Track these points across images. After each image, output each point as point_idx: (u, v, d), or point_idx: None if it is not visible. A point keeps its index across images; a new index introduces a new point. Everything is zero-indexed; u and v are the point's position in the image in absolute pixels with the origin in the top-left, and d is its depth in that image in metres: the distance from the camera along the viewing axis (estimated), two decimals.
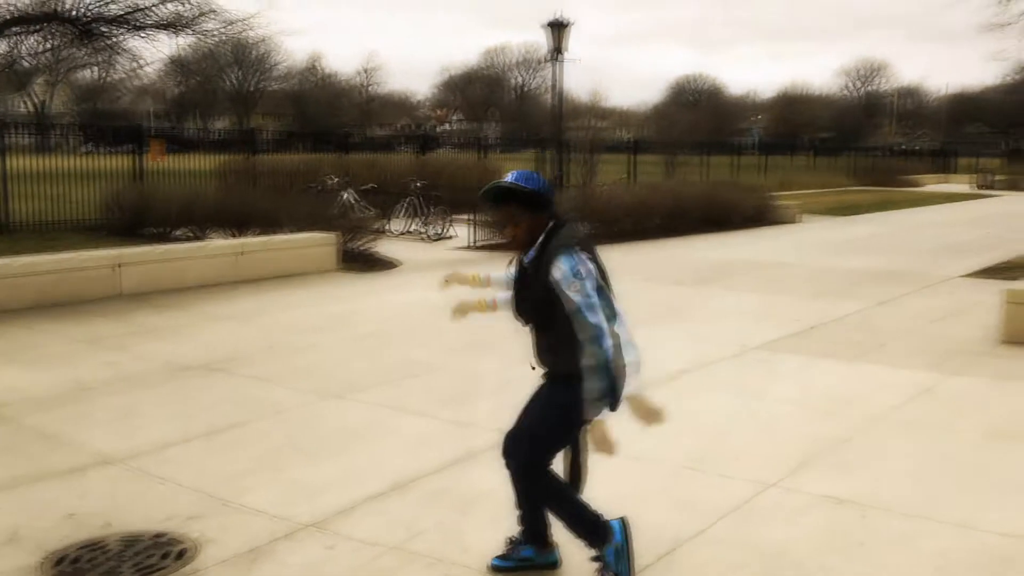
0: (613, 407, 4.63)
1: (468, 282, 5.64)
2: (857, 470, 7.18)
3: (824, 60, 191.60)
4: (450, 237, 22.61)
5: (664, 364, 9.01)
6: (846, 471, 7.15)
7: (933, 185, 57.04)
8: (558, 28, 30.93)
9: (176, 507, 6.17)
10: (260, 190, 23.26)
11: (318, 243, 16.96)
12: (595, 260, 4.86)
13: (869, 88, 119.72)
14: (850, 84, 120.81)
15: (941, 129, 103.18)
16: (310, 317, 12.79)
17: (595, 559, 5.05)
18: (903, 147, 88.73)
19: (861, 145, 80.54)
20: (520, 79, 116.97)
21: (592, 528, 5.05)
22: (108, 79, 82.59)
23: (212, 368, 9.89)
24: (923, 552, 5.72)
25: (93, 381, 9.27)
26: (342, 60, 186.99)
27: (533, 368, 5.07)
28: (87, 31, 26.05)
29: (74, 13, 24.54)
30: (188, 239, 18.38)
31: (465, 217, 22.01)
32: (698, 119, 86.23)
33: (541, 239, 4.86)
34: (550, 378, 5.03)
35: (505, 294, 5.24)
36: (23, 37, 24.90)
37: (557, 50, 31.47)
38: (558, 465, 5.15)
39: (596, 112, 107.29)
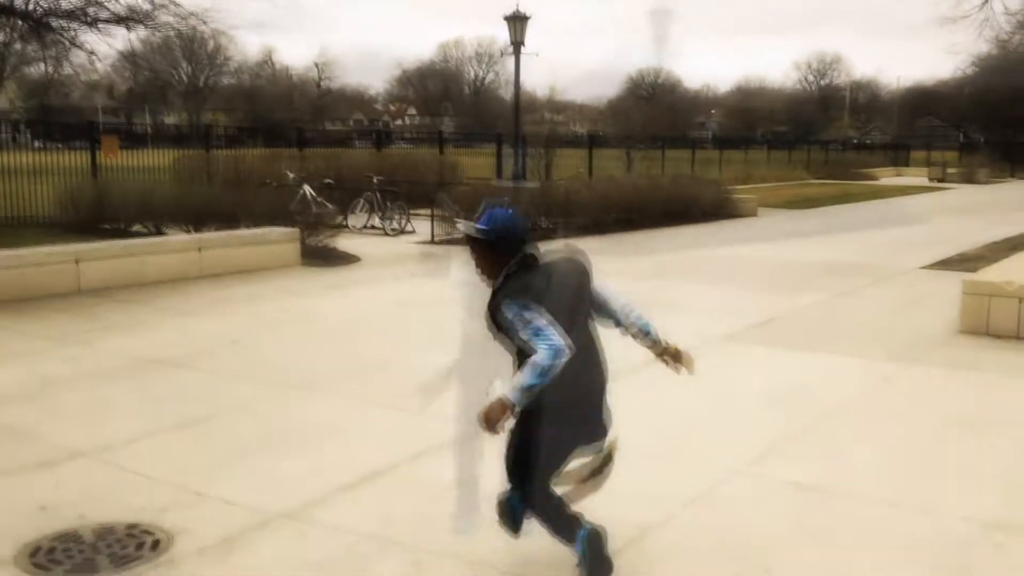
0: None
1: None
2: (820, 458, 7.31)
3: (779, 54, 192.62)
4: (410, 232, 22.62)
5: (625, 356, 9.08)
6: (809, 459, 7.28)
7: (888, 178, 57.48)
8: (518, 21, 30.80)
9: (149, 499, 6.20)
10: (217, 186, 23.12)
11: (279, 238, 16.93)
12: (556, 295, 4.87)
13: (823, 82, 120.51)
14: (805, 78, 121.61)
15: (894, 123, 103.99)
16: (273, 312, 12.79)
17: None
18: (855, 141, 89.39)
19: (816, 138, 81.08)
20: (475, 73, 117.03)
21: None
22: (58, 74, 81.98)
23: (177, 363, 9.87)
24: (886, 536, 5.85)
25: (58, 377, 9.24)
26: (295, 55, 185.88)
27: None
28: (41, 25, 25.87)
29: (28, 7, 24.38)
30: (145, 235, 18.29)
31: (424, 212, 22.04)
32: (654, 113, 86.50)
33: (502, 277, 4.91)
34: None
35: None
36: None
37: (516, 44, 31.33)
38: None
39: (553, 106, 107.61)
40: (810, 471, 6.96)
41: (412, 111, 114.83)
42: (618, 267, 17.03)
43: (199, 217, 18.21)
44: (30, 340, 10.81)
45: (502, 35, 31.39)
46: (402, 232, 22.77)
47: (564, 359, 4.61)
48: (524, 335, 4.69)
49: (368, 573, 5.32)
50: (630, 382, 7.67)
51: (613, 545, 5.28)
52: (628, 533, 5.65)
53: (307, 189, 23.67)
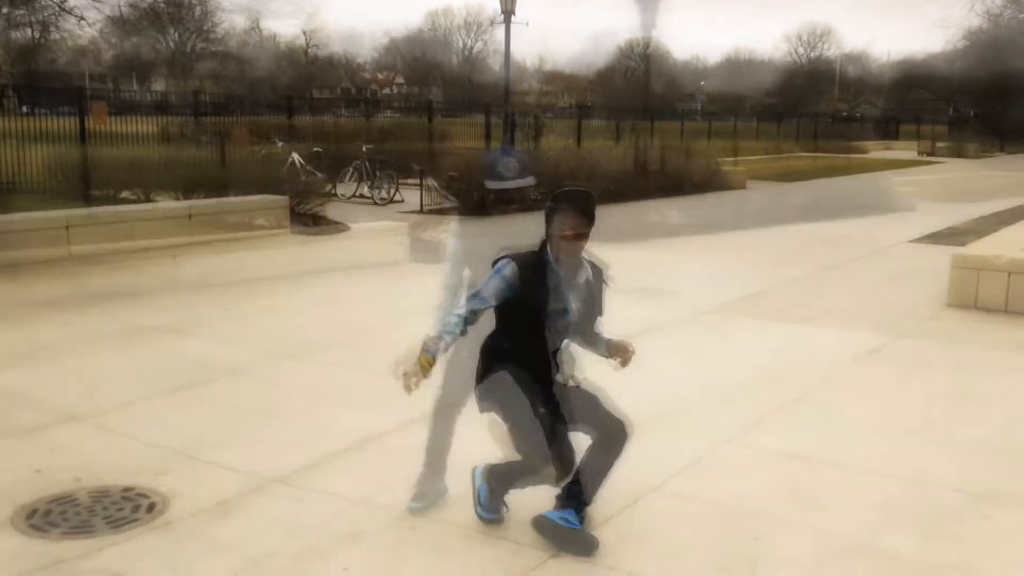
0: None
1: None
2: (808, 428, 7.39)
3: (769, 26, 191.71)
4: (399, 201, 22.63)
5: (619, 327, 9.10)
6: (798, 429, 7.35)
7: (877, 152, 57.48)
8: None
9: (144, 462, 6.25)
10: (204, 153, 23.01)
11: (268, 205, 16.88)
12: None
13: (813, 54, 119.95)
14: (795, 50, 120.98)
15: (883, 96, 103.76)
16: (262, 280, 12.78)
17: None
18: (844, 114, 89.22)
19: (805, 111, 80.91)
20: (464, 42, 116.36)
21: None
22: (44, 40, 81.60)
23: (170, 329, 9.92)
24: (875, 505, 5.92)
25: (51, 342, 9.26)
26: (285, 26, 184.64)
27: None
28: None
29: None
30: (134, 202, 18.20)
31: (413, 182, 22.03)
32: (642, 85, 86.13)
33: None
34: None
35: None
36: None
37: (507, 12, 31.11)
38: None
39: (543, 77, 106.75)
40: (799, 441, 7.03)
41: (400, 80, 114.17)
42: (606, 238, 17.03)
43: (188, 184, 18.14)
44: (21, 306, 10.76)
45: (492, 4, 31.08)
46: (391, 201, 22.78)
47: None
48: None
49: (361, 537, 5.38)
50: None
51: (606, 511, 5.36)
52: (620, 501, 5.71)
53: (296, 157, 23.63)
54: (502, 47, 32.53)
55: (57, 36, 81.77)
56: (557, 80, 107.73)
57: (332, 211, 18.41)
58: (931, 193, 29.32)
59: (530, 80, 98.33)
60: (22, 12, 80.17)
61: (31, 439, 6.69)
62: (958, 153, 54.20)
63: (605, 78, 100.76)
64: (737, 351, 9.81)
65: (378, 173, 23.56)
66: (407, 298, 10.83)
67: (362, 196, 23.33)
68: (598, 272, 5.24)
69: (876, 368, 9.30)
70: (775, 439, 7.09)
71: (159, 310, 10.73)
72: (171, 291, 11.85)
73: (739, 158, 39.03)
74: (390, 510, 5.64)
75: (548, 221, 5.00)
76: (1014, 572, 5.29)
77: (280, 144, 24.56)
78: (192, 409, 7.47)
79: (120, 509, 5.54)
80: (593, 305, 5.23)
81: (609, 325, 5.43)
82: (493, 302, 4.97)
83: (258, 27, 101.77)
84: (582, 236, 5.01)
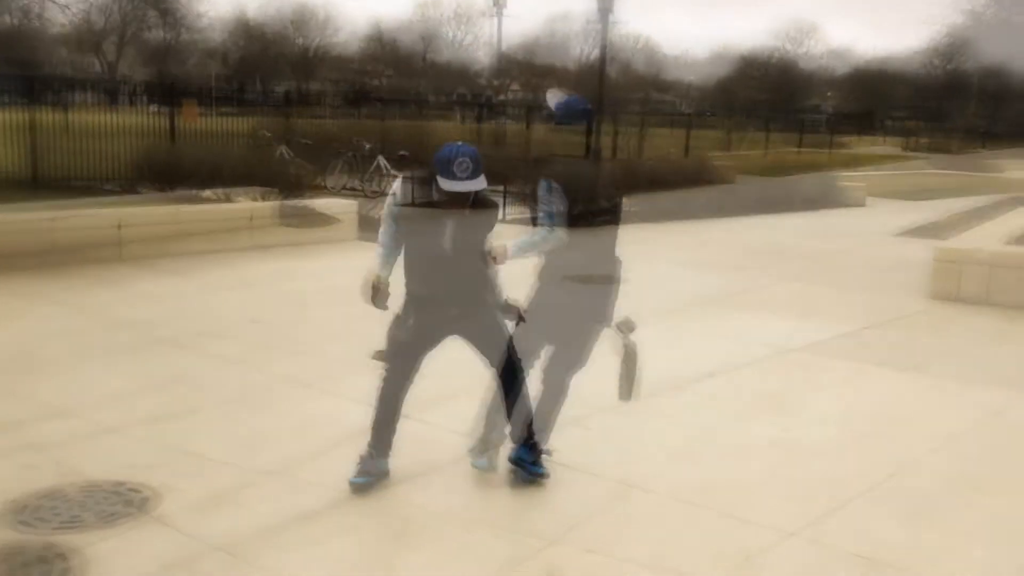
0: None
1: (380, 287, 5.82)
2: (795, 414, 7.65)
3: (754, 22, 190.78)
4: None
5: (684, 365, 8.87)
6: (787, 415, 7.63)
7: (863, 148, 57.20)
8: None
9: (135, 457, 6.24)
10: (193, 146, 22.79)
11: (336, 210, 16.77)
12: None
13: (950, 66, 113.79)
14: (930, 62, 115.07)
15: (859, 93, 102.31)
16: (251, 273, 12.84)
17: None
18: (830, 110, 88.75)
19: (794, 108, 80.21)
20: (453, 34, 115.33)
21: None
22: (175, 41, 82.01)
23: (156, 324, 9.92)
24: (858, 489, 6.08)
25: (59, 340, 9.19)
26: (266, 13, 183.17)
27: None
28: None
29: None
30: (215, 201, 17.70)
31: (405, 175, 21.92)
32: (631, 82, 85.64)
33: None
34: None
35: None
36: None
37: (605, 10, 29.90)
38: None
39: (662, 84, 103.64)
40: (787, 427, 7.30)
41: (516, 87, 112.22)
42: (694, 257, 16.97)
43: (264, 184, 17.96)
44: (47, 304, 10.66)
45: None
46: (381, 195, 22.65)
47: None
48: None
49: (360, 528, 5.46)
50: (670, 400, 7.92)
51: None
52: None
53: (381, 161, 23.64)
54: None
55: (187, 38, 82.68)
56: (675, 88, 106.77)
57: (320, 204, 18.24)
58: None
59: (647, 88, 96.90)
60: (154, 14, 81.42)
61: (21, 433, 6.67)
62: (942, 149, 53.89)
63: (725, 86, 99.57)
64: (725, 341, 9.87)
65: (368, 166, 23.50)
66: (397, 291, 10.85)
67: (353, 189, 23.24)
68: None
69: (859, 357, 9.64)
70: (762, 427, 7.34)
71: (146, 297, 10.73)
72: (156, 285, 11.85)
73: (731, 153, 38.16)
74: (391, 499, 5.79)
75: None
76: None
77: (368, 147, 24.46)
78: (183, 402, 7.49)
79: (112, 504, 5.56)
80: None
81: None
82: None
83: (379, 31, 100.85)
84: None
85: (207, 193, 16.60)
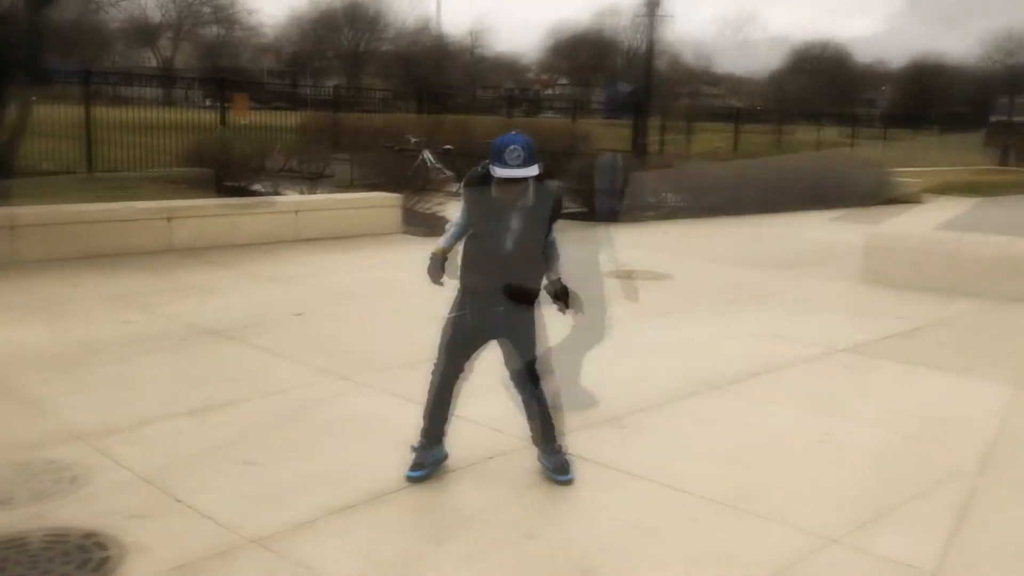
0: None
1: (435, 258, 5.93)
2: (791, 397, 7.81)
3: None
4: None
5: (727, 364, 8.63)
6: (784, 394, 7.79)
7: None
8: None
9: (122, 502, 5.46)
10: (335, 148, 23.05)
11: (379, 203, 16.62)
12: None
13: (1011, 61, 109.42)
14: (989, 56, 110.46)
15: None
16: (351, 283, 12.30)
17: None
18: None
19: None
20: (628, 43, 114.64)
21: None
22: (229, 37, 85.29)
23: (228, 336, 9.27)
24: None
25: (99, 343, 8.69)
26: (452, 23, 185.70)
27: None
28: None
29: None
30: (260, 194, 18.07)
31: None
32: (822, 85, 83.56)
33: None
34: None
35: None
36: None
37: (653, 4, 31.24)
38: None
39: (711, 79, 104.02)
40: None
41: (564, 81, 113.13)
42: (740, 253, 16.49)
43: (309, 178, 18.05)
44: (92, 300, 10.48)
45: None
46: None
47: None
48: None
49: (395, 525, 5.38)
50: (716, 399, 7.74)
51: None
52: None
53: (427, 155, 23.38)
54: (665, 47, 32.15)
55: (240, 34, 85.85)
56: (725, 82, 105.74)
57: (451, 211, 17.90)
58: None
59: (696, 82, 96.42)
60: (209, 10, 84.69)
61: (21, 456, 6.03)
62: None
63: (777, 80, 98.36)
64: (714, 332, 9.50)
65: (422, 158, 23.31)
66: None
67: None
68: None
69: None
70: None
71: (225, 309, 10.39)
72: (251, 290, 11.62)
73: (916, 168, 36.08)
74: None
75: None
76: None
77: (414, 142, 24.31)
78: (211, 433, 7.12)
79: (66, 562, 4.75)
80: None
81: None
82: None
83: (431, 27, 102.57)
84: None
85: None
